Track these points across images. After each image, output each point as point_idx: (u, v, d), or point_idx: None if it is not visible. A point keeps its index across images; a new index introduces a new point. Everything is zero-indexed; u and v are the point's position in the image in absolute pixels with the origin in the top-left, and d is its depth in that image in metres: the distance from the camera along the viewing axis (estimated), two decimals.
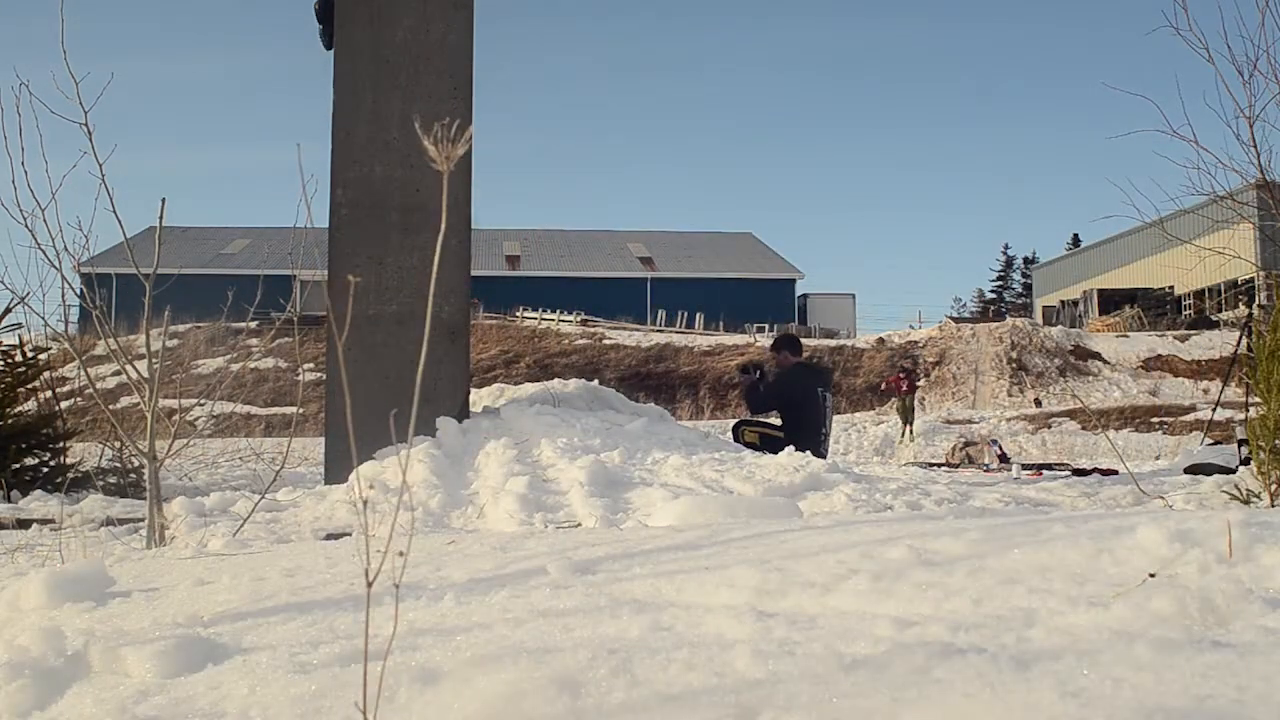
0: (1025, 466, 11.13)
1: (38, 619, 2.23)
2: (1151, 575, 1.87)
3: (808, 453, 5.83)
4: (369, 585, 1.32)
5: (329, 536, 4.19)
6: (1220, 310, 37.97)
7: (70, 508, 5.42)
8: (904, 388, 22.48)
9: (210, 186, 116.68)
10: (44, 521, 5.17)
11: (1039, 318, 48.17)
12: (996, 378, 30.01)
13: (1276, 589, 1.80)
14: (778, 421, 7.35)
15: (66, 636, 1.98)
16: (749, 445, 6.87)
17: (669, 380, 30.06)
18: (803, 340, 9.29)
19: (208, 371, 27.74)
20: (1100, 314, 41.83)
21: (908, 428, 22.02)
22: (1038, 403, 27.46)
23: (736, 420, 8.38)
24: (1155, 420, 23.30)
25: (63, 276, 4.46)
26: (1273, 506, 4.02)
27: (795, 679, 1.43)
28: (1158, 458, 16.86)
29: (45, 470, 6.98)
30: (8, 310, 7.01)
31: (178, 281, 5.09)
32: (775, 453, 5.76)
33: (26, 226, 4.26)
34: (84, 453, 7.70)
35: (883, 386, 25.97)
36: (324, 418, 6.00)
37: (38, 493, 6.40)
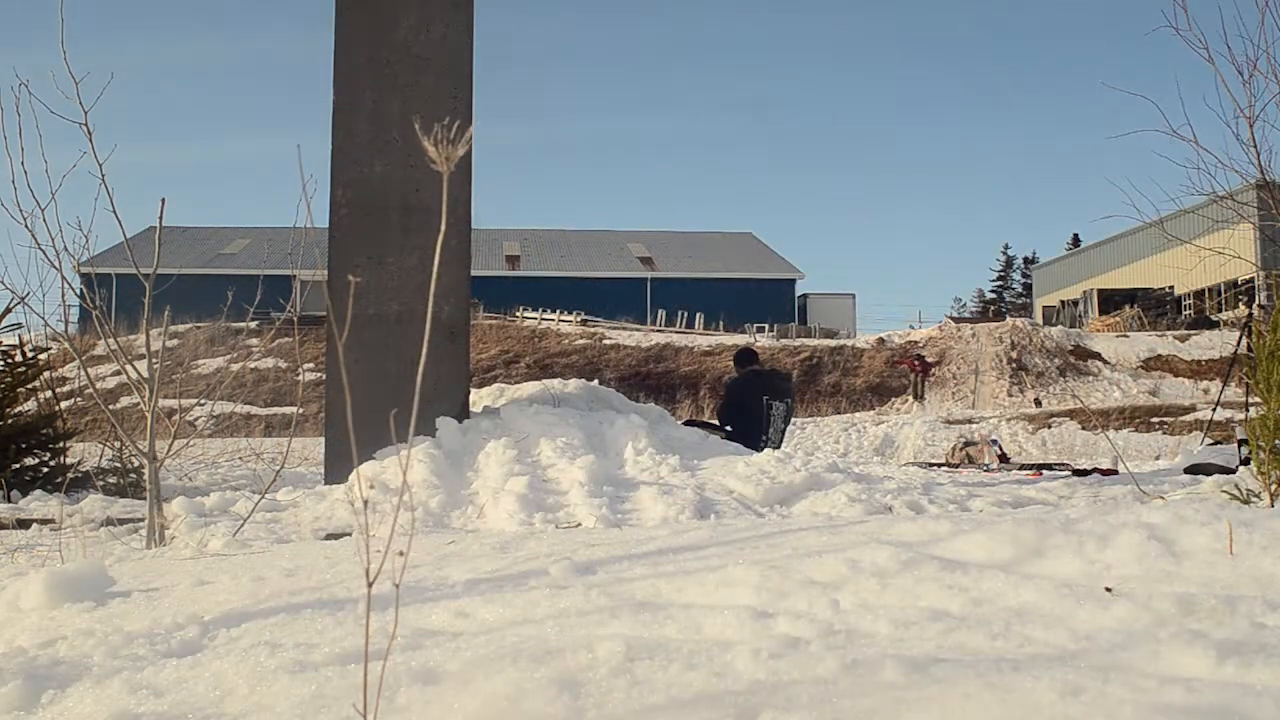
0: (1025, 466, 11.14)
1: (38, 619, 2.23)
2: (1151, 575, 1.87)
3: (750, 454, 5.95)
4: (369, 585, 1.32)
5: (329, 536, 4.19)
6: (1220, 310, 37.95)
7: (70, 508, 5.42)
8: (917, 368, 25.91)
9: (210, 186, 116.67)
10: (44, 521, 5.17)
11: (1039, 318, 48.13)
12: (996, 378, 30.00)
13: (1276, 589, 1.80)
14: (717, 423, 7.63)
15: (66, 636, 1.98)
16: None
17: (669, 380, 30.04)
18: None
19: (208, 371, 27.73)
20: (1100, 314, 41.79)
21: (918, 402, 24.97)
22: (1038, 403, 27.44)
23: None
24: (1155, 420, 23.28)
25: (63, 276, 4.46)
26: (1272, 506, 4.02)
27: (795, 679, 1.43)
28: (1158, 458, 16.85)
29: (45, 470, 6.97)
30: (8, 310, 7.01)
31: (178, 281, 5.09)
32: None
33: (26, 226, 4.26)
34: (84, 453, 7.70)
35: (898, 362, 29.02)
36: (324, 418, 6.00)
37: (38, 493, 6.40)
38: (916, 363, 26.92)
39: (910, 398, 26.21)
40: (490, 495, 4.73)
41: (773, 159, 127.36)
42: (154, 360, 4.41)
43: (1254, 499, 4.22)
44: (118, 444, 7.28)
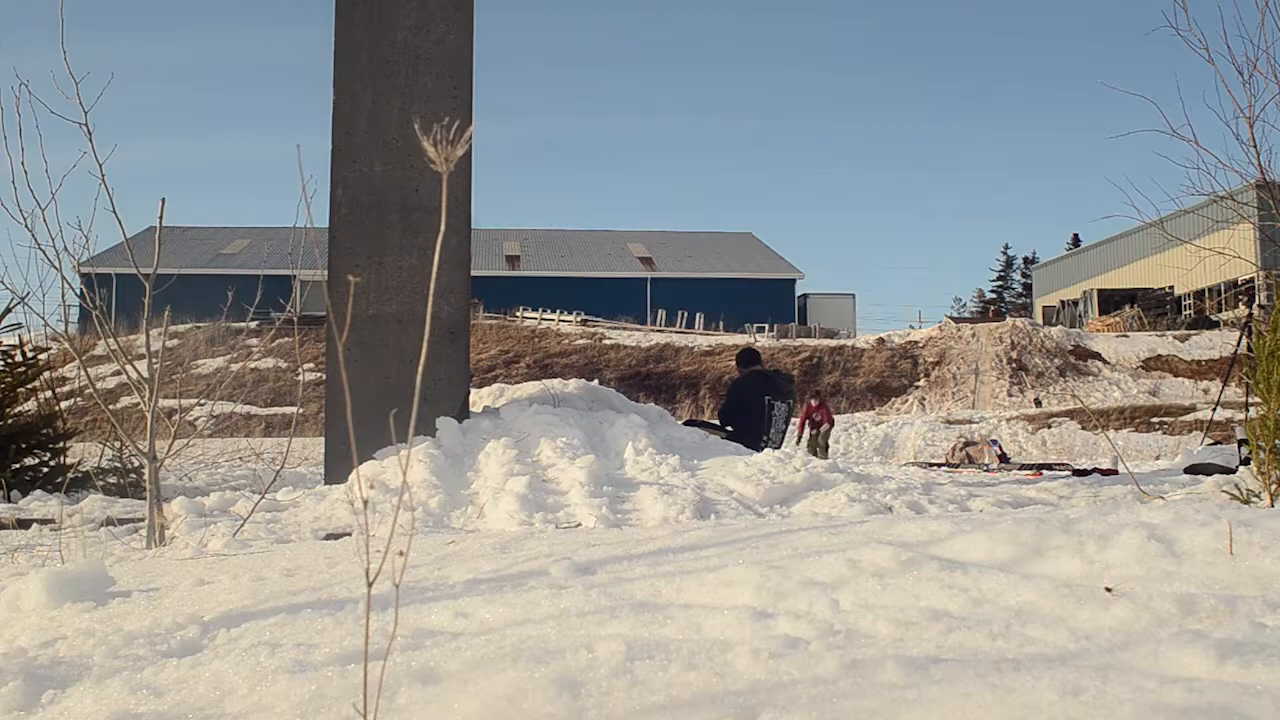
0: (1025, 466, 11.16)
1: (38, 619, 2.23)
2: (1151, 575, 1.87)
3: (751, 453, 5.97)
4: (369, 585, 1.32)
5: (329, 536, 4.19)
6: (1220, 310, 37.96)
7: (70, 508, 5.42)
8: (816, 420, 19.35)
9: (210, 186, 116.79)
10: (44, 521, 5.17)
11: (1039, 318, 48.15)
12: (996, 378, 30.01)
13: (1276, 589, 1.80)
14: (717, 423, 7.65)
15: (66, 636, 1.98)
16: None
17: (669, 380, 30.07)
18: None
19: (208, 371, 27.74)
20: (1100, 314, 41.80)
21: None
22: (1038, 403, 27.46)
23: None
24: (1155, 420, 23.31)
25: (63, 276, 4.46)
26: (1273, 506, 4.02)
27: (795, 679, 1.43)
28: (1158, 458, 16.87)
29: (45, 470, 6.98)
30: (8, 310, 7.01)
31: (178, 281, 5.09)
32: None
33: (26, 226, 4.26)
34: (84, 453, 7.70)
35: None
36: (324, 418, 5.99)
37: (38, 493, 6.40)
38: (815, 407, 19.67)
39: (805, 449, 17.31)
40: (490, 495, 4.73)
41: (773, 159, 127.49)
42: (154, 360, 4.41)
43: (1254, 499, 4.22)
44: (118, 444, 7.29)
